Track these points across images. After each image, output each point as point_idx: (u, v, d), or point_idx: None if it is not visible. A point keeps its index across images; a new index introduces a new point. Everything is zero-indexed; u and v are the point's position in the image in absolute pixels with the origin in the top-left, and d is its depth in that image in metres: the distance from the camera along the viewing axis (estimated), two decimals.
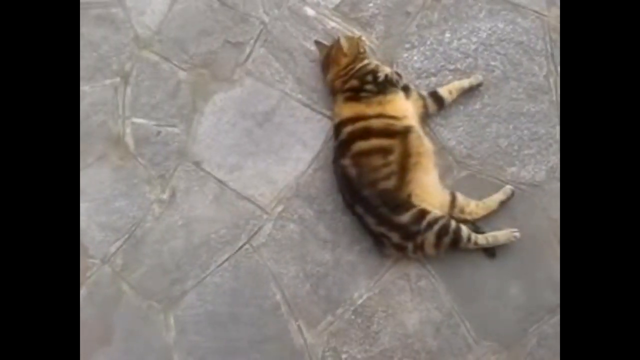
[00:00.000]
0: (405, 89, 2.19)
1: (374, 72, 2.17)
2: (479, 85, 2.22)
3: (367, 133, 2.12)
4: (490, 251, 2.14)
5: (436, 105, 2.21)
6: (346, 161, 2.13)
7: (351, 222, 2.19)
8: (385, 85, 2.15)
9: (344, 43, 2.19)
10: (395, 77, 2.17)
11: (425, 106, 2.20)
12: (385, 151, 2.10)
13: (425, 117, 2.21)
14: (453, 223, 2.08)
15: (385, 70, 2.18)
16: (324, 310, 2.19)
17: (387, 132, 2.11)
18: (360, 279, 2.19)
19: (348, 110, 2.17)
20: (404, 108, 2.16)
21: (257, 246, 2.23)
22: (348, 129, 2.14)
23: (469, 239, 2.08)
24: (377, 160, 2.10)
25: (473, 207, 2.13)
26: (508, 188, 2.16)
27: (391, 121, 2.13)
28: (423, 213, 2.07)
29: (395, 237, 2.09)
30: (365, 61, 2.20)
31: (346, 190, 2.16)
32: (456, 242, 2.08)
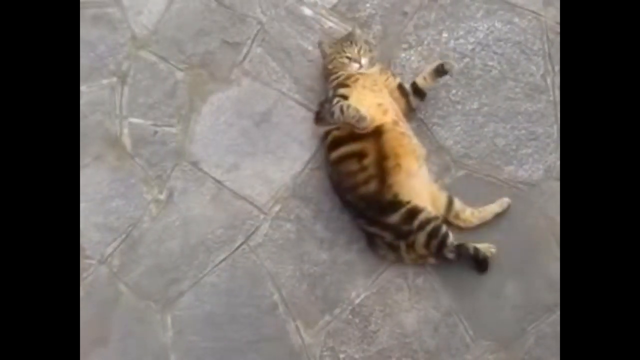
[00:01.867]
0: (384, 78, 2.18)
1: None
2: (447, 70, 2.13)
3: (338, 141, 2.11)
4: (482, 265, 2.11)
5: (418, 98, 2.18)
6: (329, 168, 2.16)
7: (348, 222, 2.19)
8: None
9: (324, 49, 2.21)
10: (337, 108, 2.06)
11: (408, 103, 2.17)
12: (359, 155, 2.08)
13: (411, 113, 2.19)
14: (443, 228, 2.07)
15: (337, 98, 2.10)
16: (322, 310, 2.18)
17: (355, 136, 2.08)
18: (358, 279, 2.18)
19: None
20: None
21: (254, 246, 2.23)
22: (330, 136, 2.14)
23: (452, 246, 2.07)
24: (352, 166, 2.09)
25: (468, 214, 2.13)
26: (505, 201, 2.15)
27: None
28: (414, 212, 2.06)
29: (388, 236, 2.09)
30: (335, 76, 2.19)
31: (336, 194, 2.18)
32: (441, 247, 2.06)
